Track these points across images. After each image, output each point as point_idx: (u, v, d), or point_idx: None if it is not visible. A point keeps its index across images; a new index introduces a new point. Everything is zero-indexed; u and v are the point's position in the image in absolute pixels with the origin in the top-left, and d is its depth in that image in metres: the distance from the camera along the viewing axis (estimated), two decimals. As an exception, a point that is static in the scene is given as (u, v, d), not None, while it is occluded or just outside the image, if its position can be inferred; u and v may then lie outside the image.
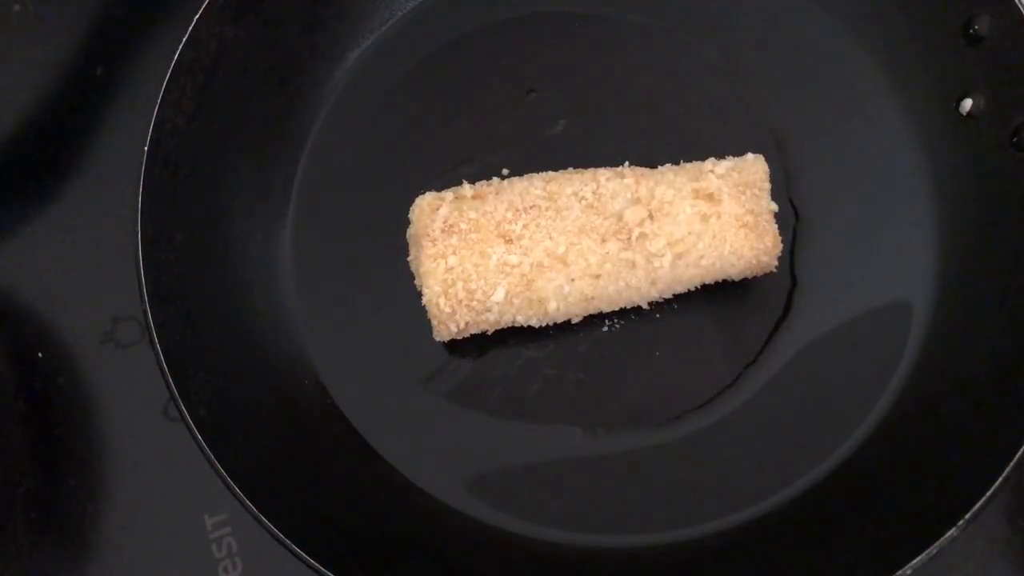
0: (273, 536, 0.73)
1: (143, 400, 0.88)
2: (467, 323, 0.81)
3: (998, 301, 0.82)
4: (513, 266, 0.79)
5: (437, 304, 0.79)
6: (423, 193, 0.83)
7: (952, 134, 0.89)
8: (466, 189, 0.82)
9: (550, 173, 0.84)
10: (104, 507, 0.86)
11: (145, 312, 0.77)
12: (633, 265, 0.80)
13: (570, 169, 0.85)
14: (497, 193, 0.82)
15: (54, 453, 0.88)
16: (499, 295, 0.79)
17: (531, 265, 0.79)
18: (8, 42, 0.99)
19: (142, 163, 0.80)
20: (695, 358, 0.86)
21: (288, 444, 0.82)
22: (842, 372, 0.85)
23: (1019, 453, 0.73)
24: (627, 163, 0.85)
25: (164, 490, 0.86)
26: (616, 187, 0.81)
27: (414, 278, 0.84)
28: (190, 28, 0.82)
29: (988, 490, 0.72)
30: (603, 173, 0.83)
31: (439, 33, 0.95)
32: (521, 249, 0.79)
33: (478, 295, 0.79)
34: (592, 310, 0.83)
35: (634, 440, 0.84)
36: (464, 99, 0.91)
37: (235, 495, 0.73)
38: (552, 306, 0.80)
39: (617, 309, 0.84)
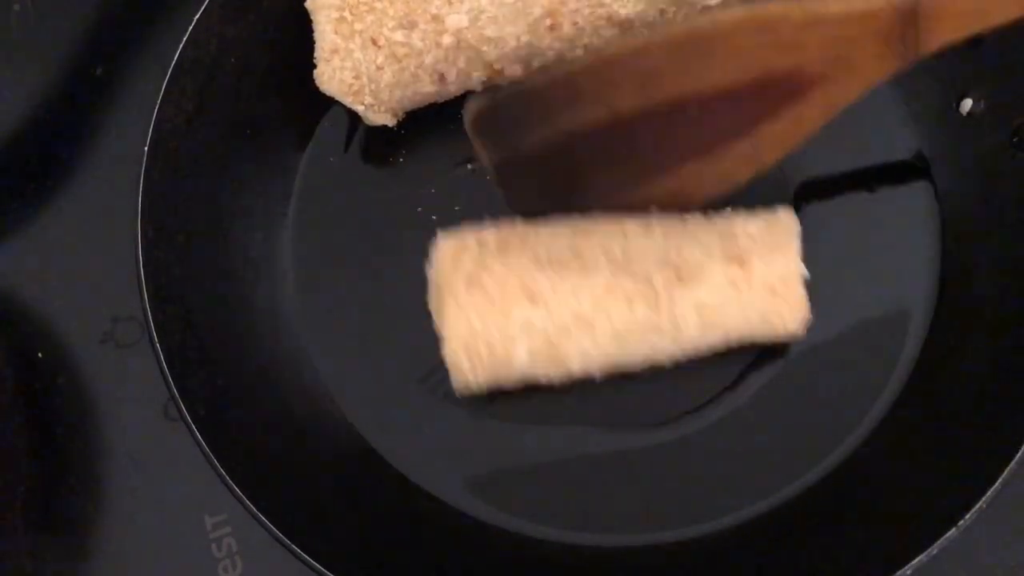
0: (274, 537, 0.72)
1: (143, 400, 0.88)
2: (487, 379, 0.79)
3: (998, 302, 0.82)
4: (537, 326, 0.77)
5: (458, 363, 0.78)
6: (447, 233, 0.81)
7: (952, 134, 0.89)
8: (489, 235, 0.80)
9: (576, 220, 0.81)
10: (104, 507, 0.86)
11: (145, 312, 0.77)
12: (660, 330, 0.78)
13: (595, 215, 0.82)
14: (522, 242, 0.79)
15: (54, 453, 0.88)
16: (521, 356, 0.77)
17: (555, 326, 0.77)
18: (8, 42, 0.99)
19: (142, 163, 0.79)
20: (695, 358, 0.86)
21: (288, 444, 0.82)
22: (842, 373, 0.85)
23: (1020, 453, 0.73)
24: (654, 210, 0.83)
25: (164, 490, 0.86)
26: (644, 244, 0.79)
27: (414, 280, 0.83)
28: (190, 28, 0.82)
29: (988, 490, 0.72)
30: (631, 227, 0.80)
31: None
32: (546, 308, 0.77)
33: (500, 353, 0.77)
34: (615, 370, 0.81)
35: (633, 440, 0.84)
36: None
37: (235, 495, 0.73)
38: (575, 367, 0.79)
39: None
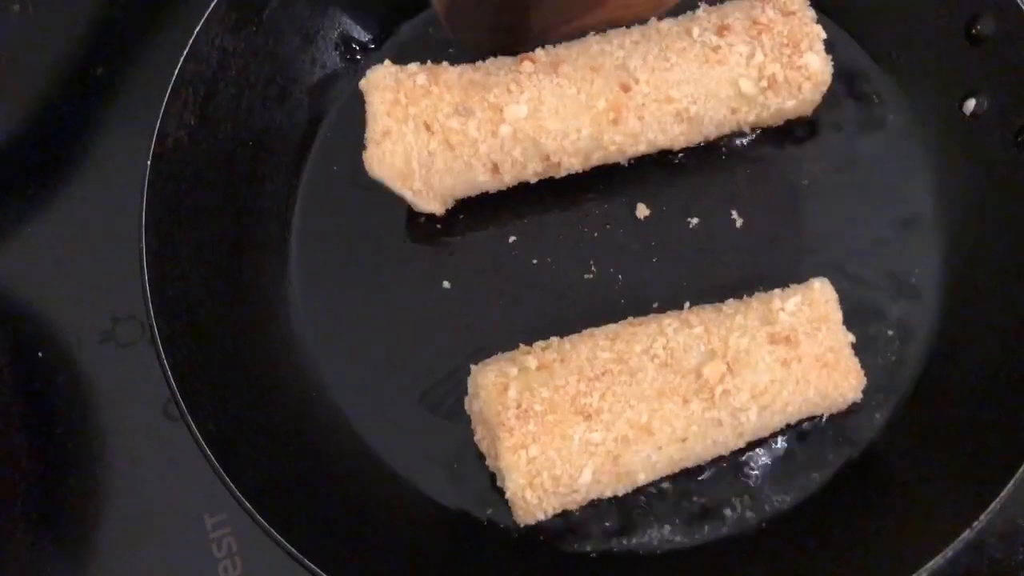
0: (285, 551, 0.72)
1: (143, 400, 0.88)
2: (553, 508, 0.77)
3: (1005, 300, 0.82)
4: (597, 444, 0.75)
5: (523, 497, 0.75)
6: (481, 364, 0.80)
7: (956, 135, 0.88)
8: (528, 360, 0.78)
9: (611, 327, 0.80)
10: (104, 507, 0.86)
11: (152, 327, 0.76)
12: (719, 423, 0.77)
13: (630, 319, 0.82)
14: (562, 360, 0.77)
15: (54, 453, 0.88)
16: (586, 477, 0.75)
17: (615, 440, 0.75)
18: (8, 42, 0.99)
19: (145, 177, 0.79)
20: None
21: (296, 456, 0.81)
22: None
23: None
24: (688, 304, 0.83)
25: (164, 490, 0.86)
26: (686, 339, 0.78)
27: (420, 292, 0.84)
28: (191, 41, 0.82)
29: (1002, 491, 0.71)
30: (668, 323, 0.79)
31: (441, 43, 0.93)
32: (603, 424, 0.75)
33: (564, 480, 0.75)
34: (678, 470, 0.80)
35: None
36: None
37: (246, 510, 0.73)
38: (641, 477, 0.77)
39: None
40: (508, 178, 0.85)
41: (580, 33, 0.85)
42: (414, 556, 0.79)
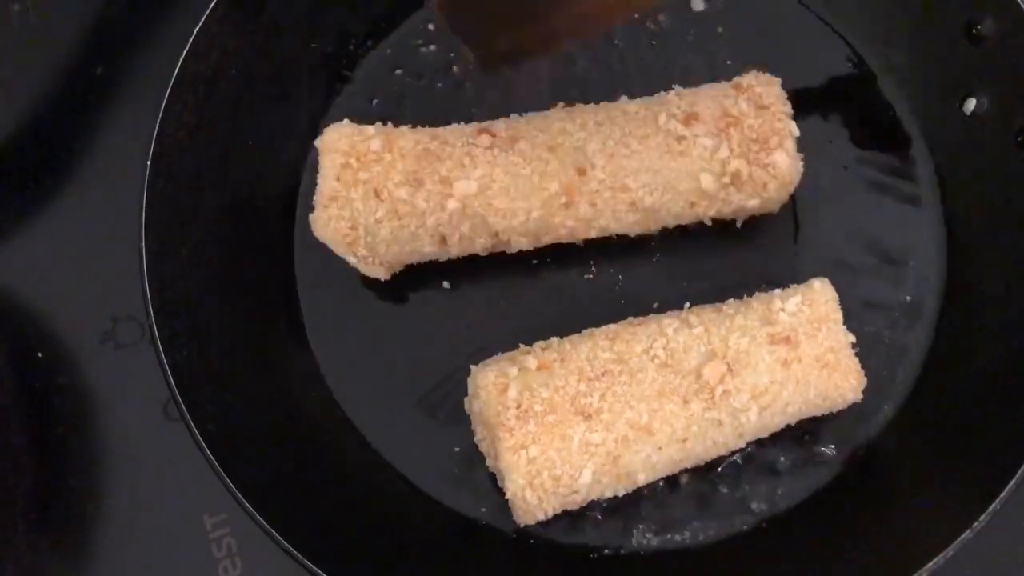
0: (285, 551, 0.72)
1: (143, 400, 0.88)
2: (553, 508, 0.77)
3: (1005, 300, 0.82)
4: (597, 445, 0.75)
5: (524, 497, 0.75)
6: (481, 364, 0.80)
7: (956, 134, 0.88)
8: (528, 360, 0.77)
9: (611, 327, 0.80)
10: (104, 507, 0.86)
11: (152, 328, 0.76)
12: (720, 424, 0.77)
13: (630, 319, 0.82)
14: (562, 360, 0.77)
15: (54, 453, 0.88)
16: (586, 477, 0.75)
17: (615, 440, 0.75)
18: (8, 42, 0.99)
19: (144, 176, 0.79)
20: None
21: (296, 456, 0.81)
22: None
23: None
24: (688, 304, 0.82)
25: (164, 490, 0.86)
26: (687, 339, 0.78)
27: (421, 292, 0.84)
28: (191, 40, 0.82)
29: (1002, 491, 0.72)
30: (668, 323, 0.79)
31: (441, 48, 0.94)
32: (602, 425, 0.75)
33: (564, 480, 0.75)
34: (678, 470, 0.80)
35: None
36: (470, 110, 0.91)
37: (246, 510, 0.73)
38: (641, 477, 0.77)
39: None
40: (455, 250, 0.84)
41: (595, 32, 0.81)
42: (414, 556, 0.80)
